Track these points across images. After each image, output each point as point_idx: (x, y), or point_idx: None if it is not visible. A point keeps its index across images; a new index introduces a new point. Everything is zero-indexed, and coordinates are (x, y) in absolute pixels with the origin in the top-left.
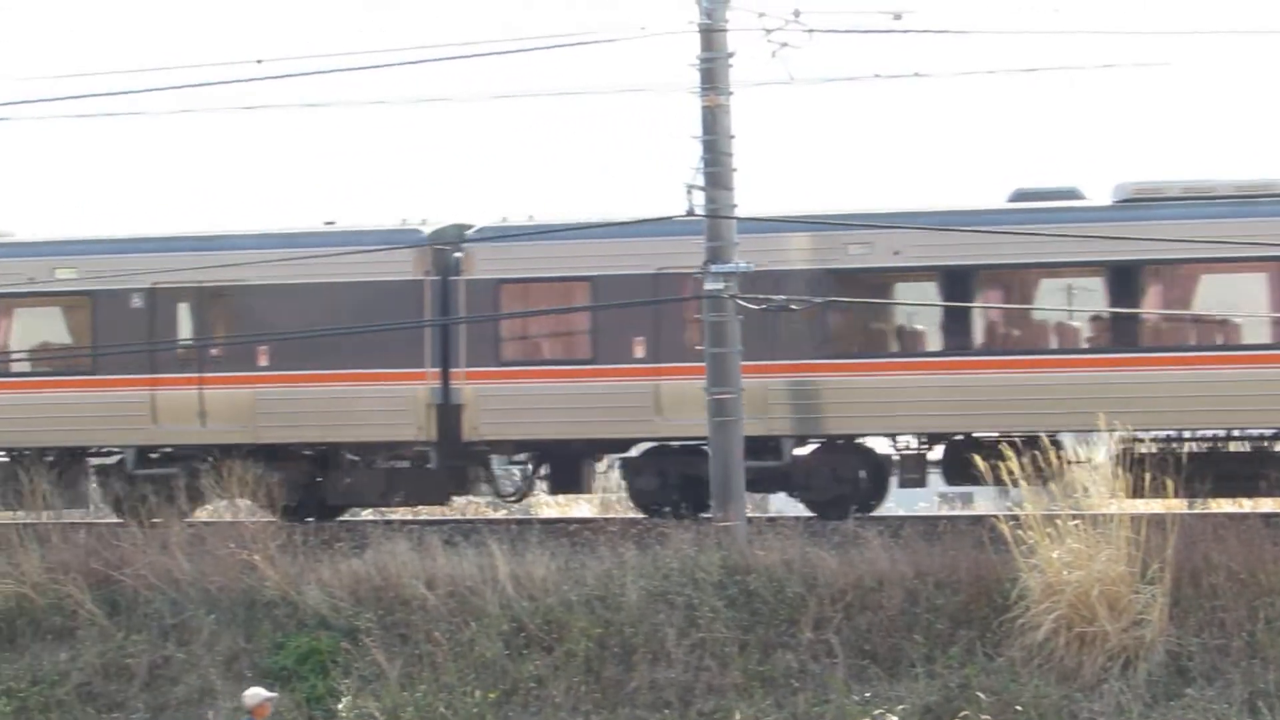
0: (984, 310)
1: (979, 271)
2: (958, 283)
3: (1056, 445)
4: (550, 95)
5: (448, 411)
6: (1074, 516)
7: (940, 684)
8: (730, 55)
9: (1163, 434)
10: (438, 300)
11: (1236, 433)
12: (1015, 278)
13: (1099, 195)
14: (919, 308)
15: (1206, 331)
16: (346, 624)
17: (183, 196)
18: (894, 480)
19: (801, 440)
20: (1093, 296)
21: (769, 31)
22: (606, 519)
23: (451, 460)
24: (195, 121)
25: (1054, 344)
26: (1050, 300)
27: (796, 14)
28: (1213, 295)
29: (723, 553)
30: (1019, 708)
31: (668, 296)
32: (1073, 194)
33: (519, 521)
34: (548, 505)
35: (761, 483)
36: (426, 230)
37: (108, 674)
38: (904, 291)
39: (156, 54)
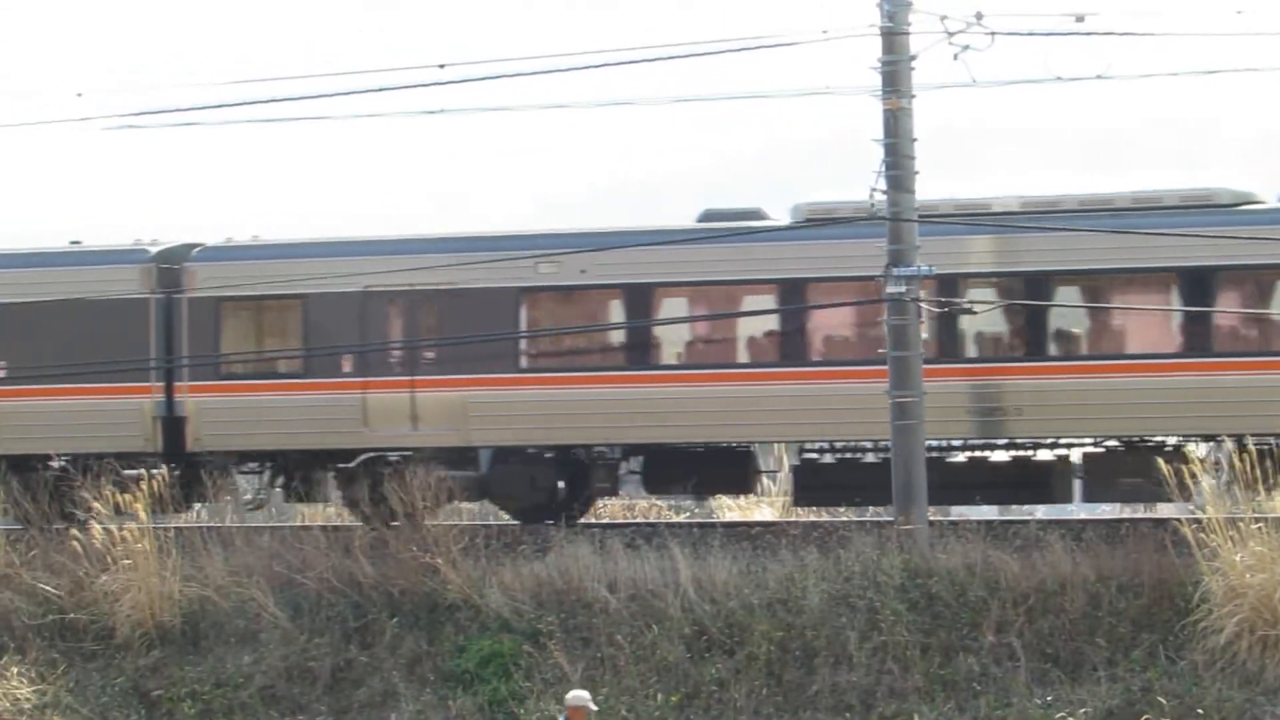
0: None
1: (657, 289)
2: (640, 300)
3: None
4: (730, 99)
5: (173, 424)
6: (1256, 520)
7: (1122, 687)
8: (912, 58)
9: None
10: (162, 317)
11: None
12: (700, 294)
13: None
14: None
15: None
16: (529, 627)
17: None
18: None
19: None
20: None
21: (950, 34)
22: (788, 522)
23: (183, 471)
24: (378, 126)
25: (739, 359)
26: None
27: (979, 16)
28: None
29: (904, 556)
30: (1201, 711)
31: (373, 314)
32: (756, 214)
33: (701, 525)
34: (729, 509)
35: (460, 492)
36: (154, 249)
37: (290, 677)
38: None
39: (341, 59)
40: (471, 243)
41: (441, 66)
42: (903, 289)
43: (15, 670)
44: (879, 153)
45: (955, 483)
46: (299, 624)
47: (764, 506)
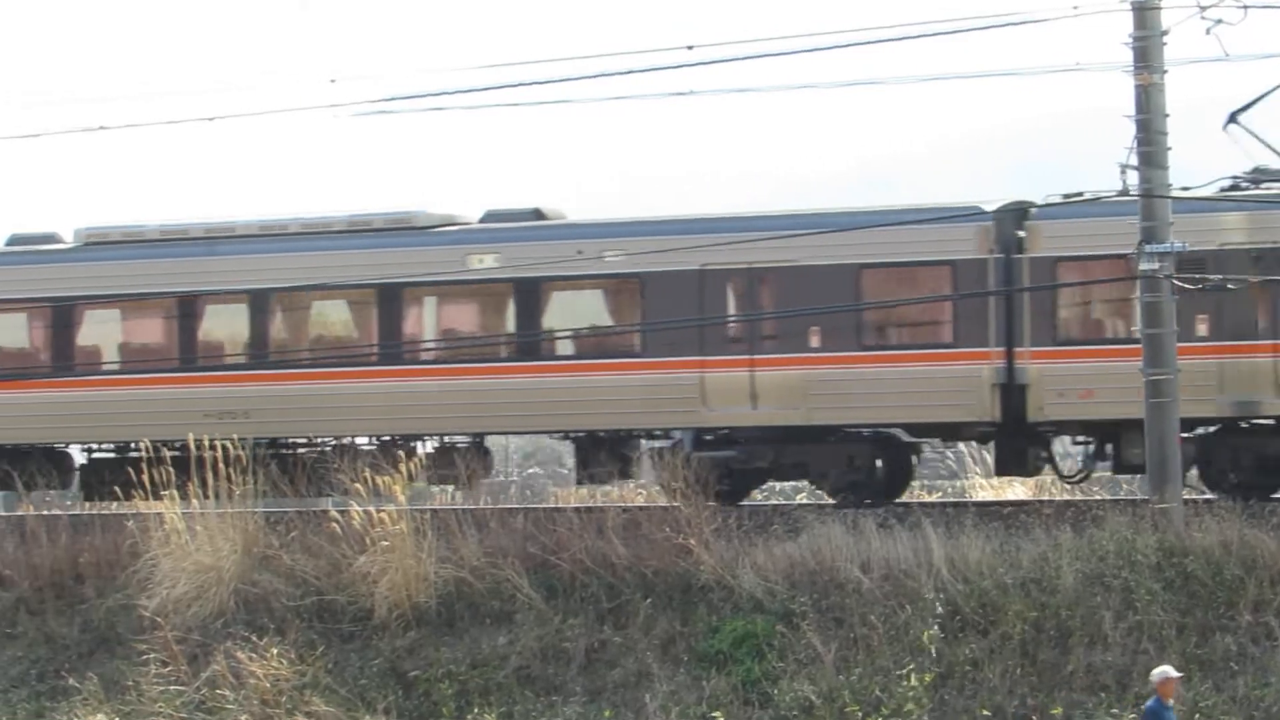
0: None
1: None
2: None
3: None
4: (980, 77)
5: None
6: None
7: None
8: (1164, 33)
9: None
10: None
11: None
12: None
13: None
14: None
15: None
16: (781, 607)
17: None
18: None
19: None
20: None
21: (1203, 8)
22: (1041, 501)
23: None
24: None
25: None
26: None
27: None
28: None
29: (1159, 535)
30: None
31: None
32: (52, 239)
33: (953, 504)
34: (982, 488)
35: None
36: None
37: (545, 657)
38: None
39: (589, 42)
40: None
41: (690, 48)
42: (1156, 265)
43: (275, 651)
44: (1130, 129)
45: None
46: (553, 605)
47: (1016, 486)
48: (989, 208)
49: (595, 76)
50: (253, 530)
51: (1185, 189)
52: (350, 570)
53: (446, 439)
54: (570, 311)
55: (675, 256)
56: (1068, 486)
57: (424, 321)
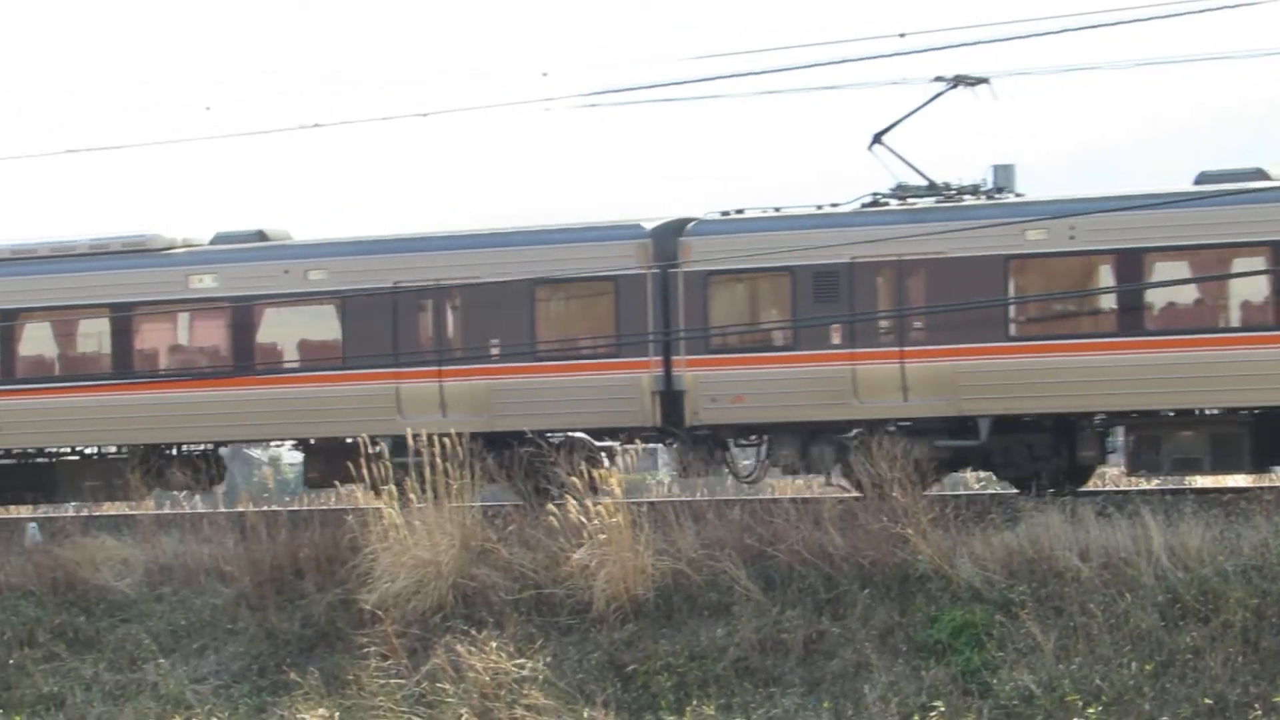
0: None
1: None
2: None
3: None
4: (1193, 60)
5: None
6: None
7: None
8: None
9: None
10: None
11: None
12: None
13: None
14: None
15: None
16: (1000, 597)
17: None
18: None
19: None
20: None
21: None
22: (1262, 488)
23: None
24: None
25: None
26: None
27: None
28: None
29: None
30: None
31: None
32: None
33: (1172, 491)
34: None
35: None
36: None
37: (764, 649)
38: None
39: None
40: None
41: (902, 35)
42: None
43: (494, 644)
44: None
45: None
46: (771, 596)
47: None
48: (649, 225)
49: (808, 66)
50: (470, 524)
51: (834, 205)
52: (568, 563)
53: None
54: (283, 328)
55: (372, 275)
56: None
57: (157, 339)
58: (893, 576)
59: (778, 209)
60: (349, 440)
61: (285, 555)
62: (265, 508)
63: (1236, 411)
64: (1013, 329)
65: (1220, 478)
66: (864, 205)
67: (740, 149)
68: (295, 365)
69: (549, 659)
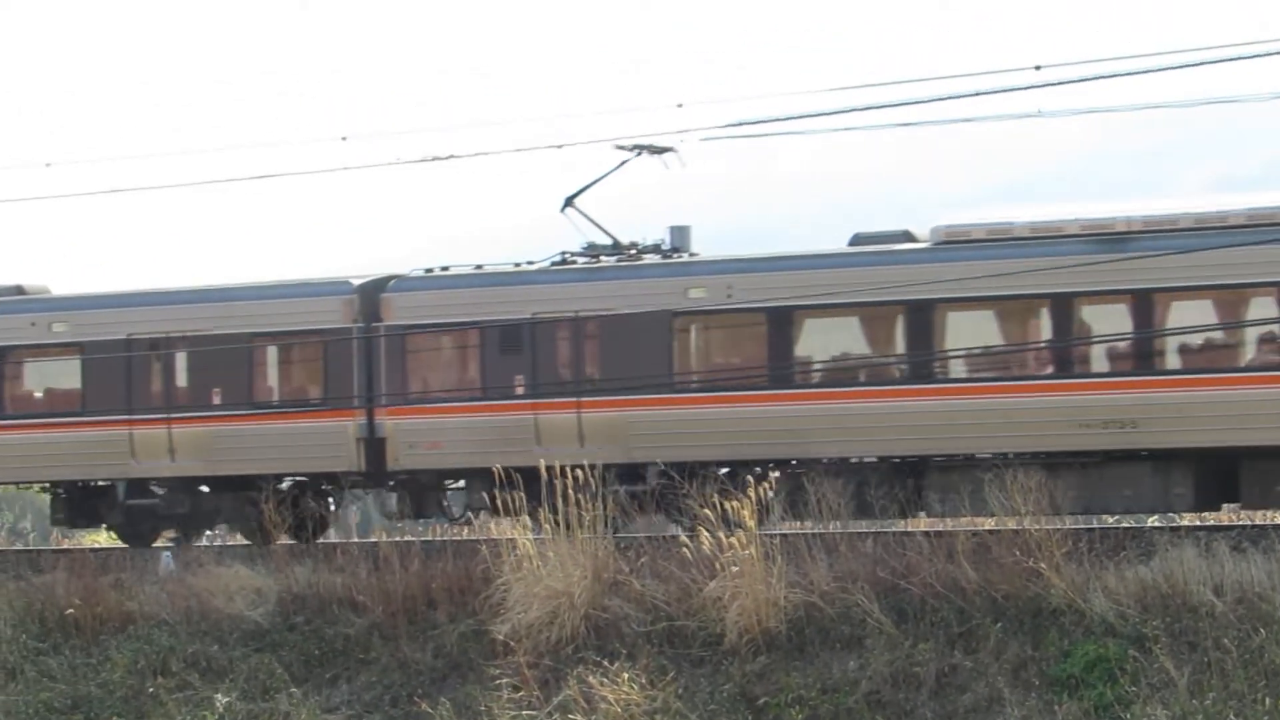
0: None
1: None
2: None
3: None
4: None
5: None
6: None
7: None
8: None
9: None
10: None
11: None
12: None
13: None
14: None
15: None
16: (1134, 631)
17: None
18: None
19: None
20: None
21: None
22: None
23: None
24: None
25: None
26: None
27: None
28: None
29: None
30: None
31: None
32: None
33: None
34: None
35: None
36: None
37: (896, 682)
38: None
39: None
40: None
41: (1038, 68)
42: None
43: (626, 676)
44: None
45: None
46: (903, 629)
47: None
48: (357, 281)
49: (945, 99)
50: (603, 556)
51: (530, 263)
52: (700, 595)
53: None
54: (36, 375)
55: (110, 327)
56: None
57: None
58: (1026, 610)
59: (479, 266)
60: (91, 483)
61: (418, 585)
62: (399, 538)
63: (886, 460)
64: (675, 382)
65: None
66: (553, 263)
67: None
68: (42, 412)
69: (680, 691)
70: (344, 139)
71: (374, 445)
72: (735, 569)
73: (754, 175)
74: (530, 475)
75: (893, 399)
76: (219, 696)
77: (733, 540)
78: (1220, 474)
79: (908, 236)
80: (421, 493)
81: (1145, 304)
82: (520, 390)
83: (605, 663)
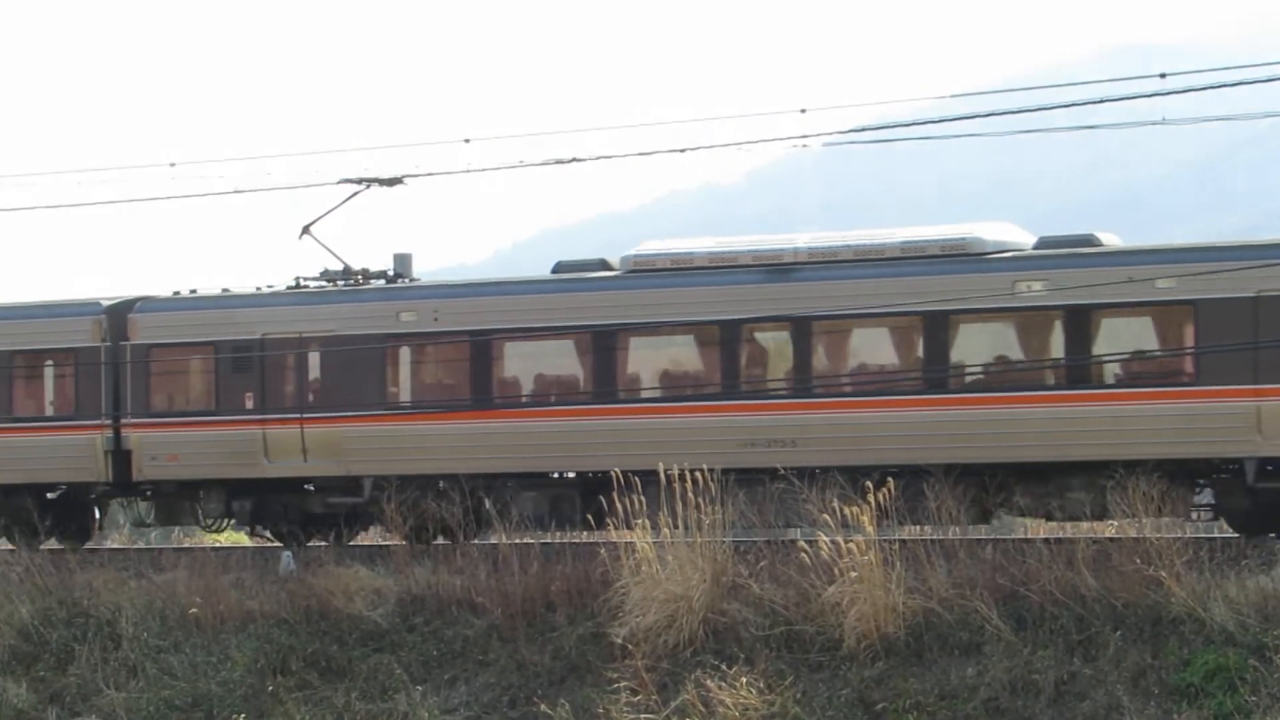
0: None
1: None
2: None
3: None
4: None
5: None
6: None
7: None
8: None
9: None
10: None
11: None
12: None
13: None
14: None
15: None
16: (1254, 641)
17: None
18: None
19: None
20: None
21: None
22: None
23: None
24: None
25: None
26: None
27: None
28: None
29: None
30: None
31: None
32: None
33: None
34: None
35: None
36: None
37: (1014, 689)
38: None
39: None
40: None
41: (1163, 76)
42: None
43: (744, 680)
44: None
45: None
46: (1022, 636)
47: None
48: (107, 302)
49: (1065, 106)
50: (722, 559)
51: (270, 286)
52: (819, 600)
53: None
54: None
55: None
56: None
57: None
58: (1145, 618)
59: (226, 289)
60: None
61: (537, 588)
62: (517, 540)
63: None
64: (386, 400)
65: None
66: (288, 288)
67: None
68: None
69: (798, 695)
70: (466, 140)
71: (121, 457)
72: (854, 574)
73: None
74: (648, 478)
75: (583, 418)
76: (338, 696)
77: (851, 545)
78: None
79: (604, 265)
80: (173, 502)
81: (804, 331)
82: (250, 406)
83: (723, 667)
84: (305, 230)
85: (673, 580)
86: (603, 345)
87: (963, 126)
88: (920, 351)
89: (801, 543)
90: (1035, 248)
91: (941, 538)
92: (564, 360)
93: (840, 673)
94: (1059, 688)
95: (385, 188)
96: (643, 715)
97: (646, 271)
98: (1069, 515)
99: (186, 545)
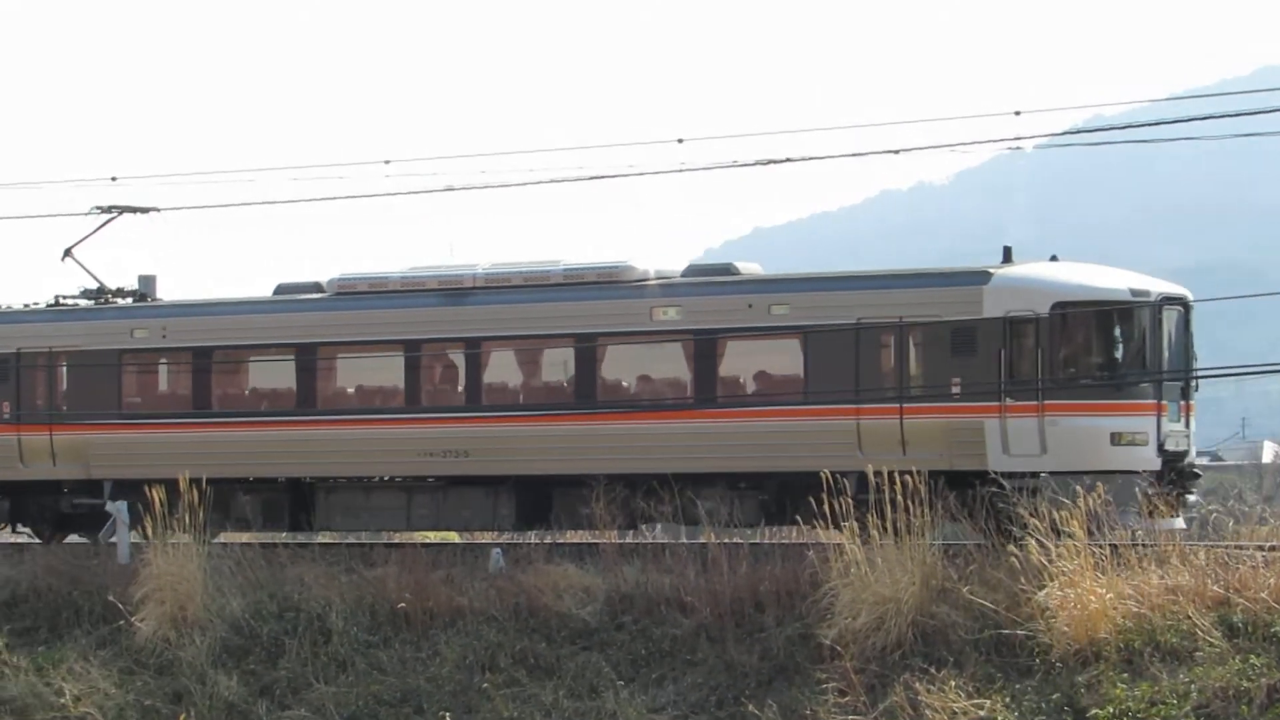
0: None
1: None
2: None
3: None
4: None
5: None
6: None
7: None
8: None
9: None
10: None
11: None
12: None
13: None
14: None
15: None
16: None
17: None
18: None
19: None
20: None
21: None
22: None
23: None
24: None
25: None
26: None
27: None
28: None
29: None
30: None
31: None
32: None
33: None
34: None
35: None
36: None
37: (1226, 696)
38: None
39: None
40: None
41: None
42: None
43: (953, 684)
44: None
45: None
46: (1234, 643)
47: None
48: None
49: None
50: (931, 562)
51: (35, 304)
52: (1029, 604)
53: None
54: None
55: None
56: None
57: None
58: None
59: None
60: None
61: (746, 588)
62: (727, 539)
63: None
64: (125, 410)
65: None
66: (48, 305)
67: None
68: None
69: (1007, 700)
70: (680, 141)
71: None
72: (1065, 579)
73: None
74: (861, 481)
75: (289, 429)
76: (545, 694)
77: (1063, 550)
78: (538, 499)
79: (317, 287)
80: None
81: (475, 350)
82: (6, 415)
83: (932, 670)
84: (67, 253)
85: (882, 583)
86: (310, 361)
87: (1178, 130)
88: (573, 371)
89: (1012, 547)
90: (682, 276)
91: (1150, 543)
92: (279, 374)
93: (1050, 678)
94: (1271, 696)
95: (138, 215)
96: (850, 717)
97: (349, 294)
98: (714, 521)
99: (397, 541)
